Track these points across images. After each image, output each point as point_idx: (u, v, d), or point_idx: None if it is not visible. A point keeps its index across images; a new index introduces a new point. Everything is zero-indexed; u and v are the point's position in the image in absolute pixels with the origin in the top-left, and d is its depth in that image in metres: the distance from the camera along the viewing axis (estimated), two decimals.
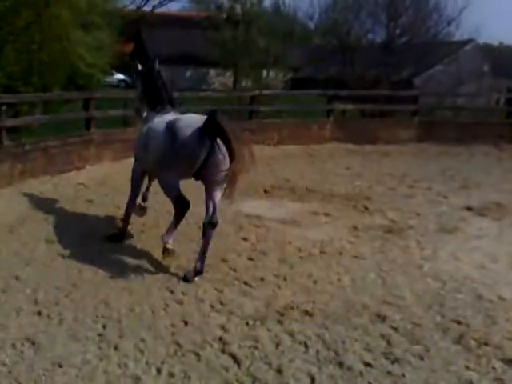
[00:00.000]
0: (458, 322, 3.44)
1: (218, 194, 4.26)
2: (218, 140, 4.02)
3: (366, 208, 6.48)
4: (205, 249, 4.22)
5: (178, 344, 3.18)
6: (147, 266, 4.41)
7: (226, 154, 4.00)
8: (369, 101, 13.66)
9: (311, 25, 17.57)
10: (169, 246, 4.42)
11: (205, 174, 4.20)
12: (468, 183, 8.00)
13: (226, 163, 4.03)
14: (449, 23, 15.79)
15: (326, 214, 6.17)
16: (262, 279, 4.17)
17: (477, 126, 11.84)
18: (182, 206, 4.30)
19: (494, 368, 2.94)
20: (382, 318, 3.49)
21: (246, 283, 4.10)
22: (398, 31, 15.79)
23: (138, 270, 4.30)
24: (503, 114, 12.82)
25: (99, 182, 7.42)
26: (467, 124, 12.12)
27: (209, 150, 4.06)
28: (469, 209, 6.47)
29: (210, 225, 4.20)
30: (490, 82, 18.94)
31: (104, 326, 3.38)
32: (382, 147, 11.35)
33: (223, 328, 3.36)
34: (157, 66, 5.13)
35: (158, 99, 4.94)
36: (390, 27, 15.68)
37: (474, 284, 4.11)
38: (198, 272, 4.17)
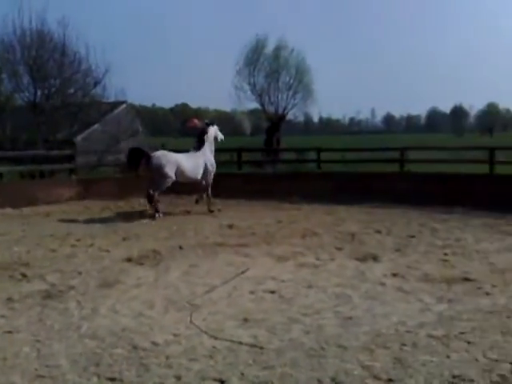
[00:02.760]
0: (113, 379, 3.42)
1: None
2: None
3: (24, 275, 6.02)
4: None
5: None
6: None
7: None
8: (26, 162, 13.03)
9: None
10: None
11: None
12: (129, 235, 8.37)
13: None
14: (95, 85, 16.61)
15: None
16: None
17: (134, 181, 12.62)
18: None
19: None
20: None
21: None
22: (48, 91, 15.69)
23: None
24: None
25: None
26: (125, 179, 12.81)
27: None
28: (129, 260, 6.72)
29: None
30: (144, 139, 20.65)
31: None
32: (43, 208, 10.95)
33: None
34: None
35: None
36: (40, 88, 15.47)
37: (131, 335, 4.20)
38: None
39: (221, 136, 11.48)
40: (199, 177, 10.64)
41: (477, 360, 3.66)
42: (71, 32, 16.56)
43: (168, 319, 4.61)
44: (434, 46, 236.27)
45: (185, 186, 12.51)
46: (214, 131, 11.17)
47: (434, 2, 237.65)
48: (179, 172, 10.20)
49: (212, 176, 10.89)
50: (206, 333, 4.21)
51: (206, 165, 10.74)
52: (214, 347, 3.93)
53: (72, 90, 16.42)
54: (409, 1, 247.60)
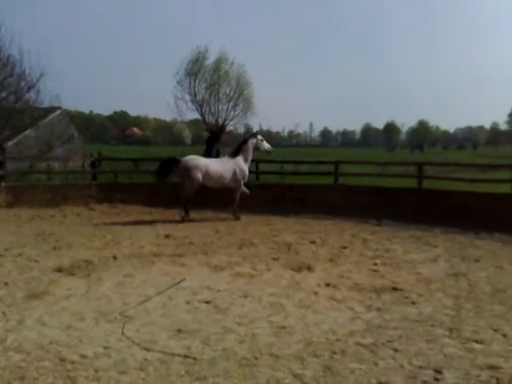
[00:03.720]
0: None
1: None
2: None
3: None
4: None
5: None
6: None
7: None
8: None
9: None
10: None
11: None
12: (60, 244, 8.08)
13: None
14: (28, 89, 16.14)
15: None
16: None
17: (68, 188, 12.25)
18: None
19: None
20: None
21: None
22: None
23: None
24: (91, 175, 13.71)
25: None
26: (59, 186, 12.40)
27: None
28: (59, 270, 6.48)
29: None
30: (80, 146, 20.04)
31: None
32: None
33: None
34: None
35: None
36: None
37: (58, 347, 4.05)
38: None
39: (265, 147, 11.81)
40: (226, 182, 11.15)
41: (402, 367, 3.82)
42: (4, 35, 16.13)
43: (98, 331, 4.48)
44: (367, 64, 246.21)
45: (118, 195, 12.30)
46: (252, 144, 11.60)
47: (374, 19, 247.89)
48: (207, 176, 10.79)
49: (241, 184, 11.36)
50: (137, 345, 4.14)
51: (235, 172, 11.19)
52: (145, 359, 3.86)
53: (4, 94, 15.82)
54: (353, 15, 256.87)
